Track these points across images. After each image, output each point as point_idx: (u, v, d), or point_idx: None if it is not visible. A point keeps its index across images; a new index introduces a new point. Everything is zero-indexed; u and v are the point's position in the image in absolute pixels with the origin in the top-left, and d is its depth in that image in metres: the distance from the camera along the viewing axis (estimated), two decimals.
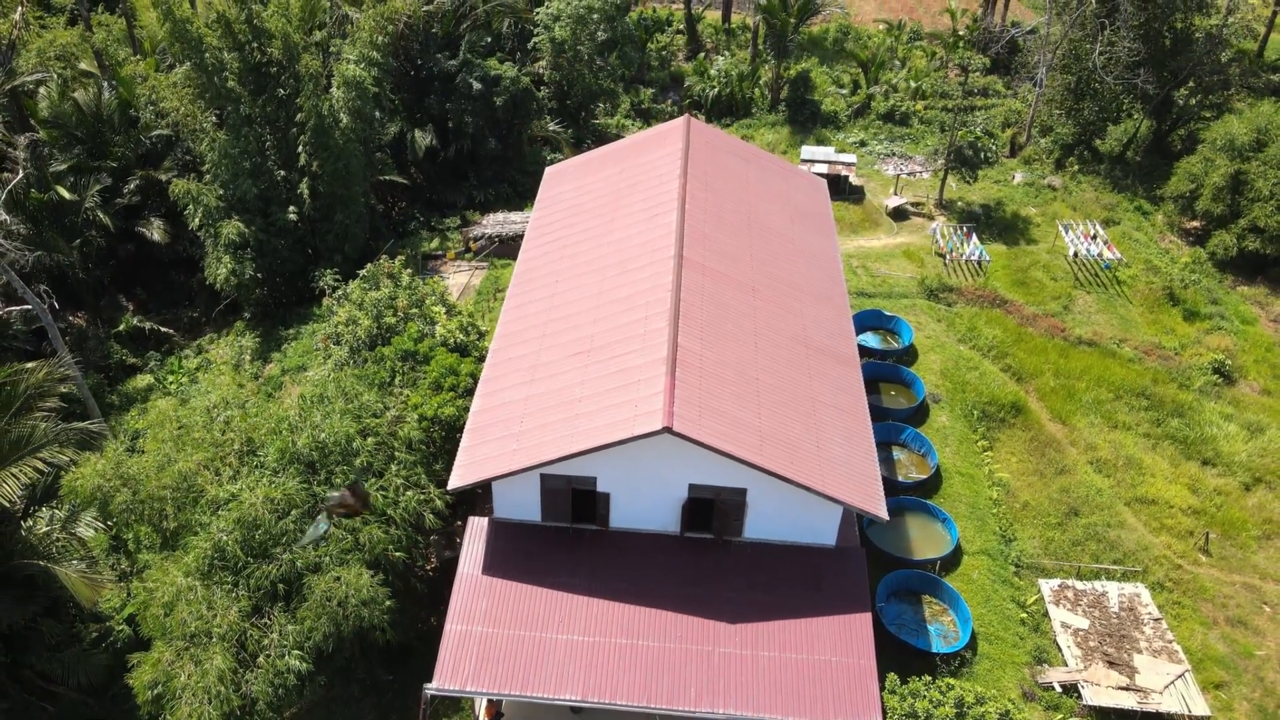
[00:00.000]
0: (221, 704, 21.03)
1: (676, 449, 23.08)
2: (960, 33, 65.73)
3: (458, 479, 24.24)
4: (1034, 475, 34.33)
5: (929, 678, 24.50)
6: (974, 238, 46.46)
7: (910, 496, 32.00)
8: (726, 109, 60.65)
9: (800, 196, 34.87)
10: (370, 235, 45.86)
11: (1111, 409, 37.25)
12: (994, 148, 50.13)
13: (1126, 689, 27.02)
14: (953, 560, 30.40)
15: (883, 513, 23.72)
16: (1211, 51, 50.35)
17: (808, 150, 52.32)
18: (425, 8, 48.01)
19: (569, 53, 52.33)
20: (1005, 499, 33.17)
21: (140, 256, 45.93)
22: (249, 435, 25.11)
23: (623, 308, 27.10)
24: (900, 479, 32.77)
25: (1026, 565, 31.11)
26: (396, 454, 25.75)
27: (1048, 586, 30.26)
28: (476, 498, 29.65)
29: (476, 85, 48.16)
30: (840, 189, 50.38)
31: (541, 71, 54.25)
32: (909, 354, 38.64)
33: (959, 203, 50.41)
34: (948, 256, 45.29)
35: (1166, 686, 27.07)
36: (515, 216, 46.73)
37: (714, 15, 72.77)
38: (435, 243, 46.81)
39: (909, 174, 53.59)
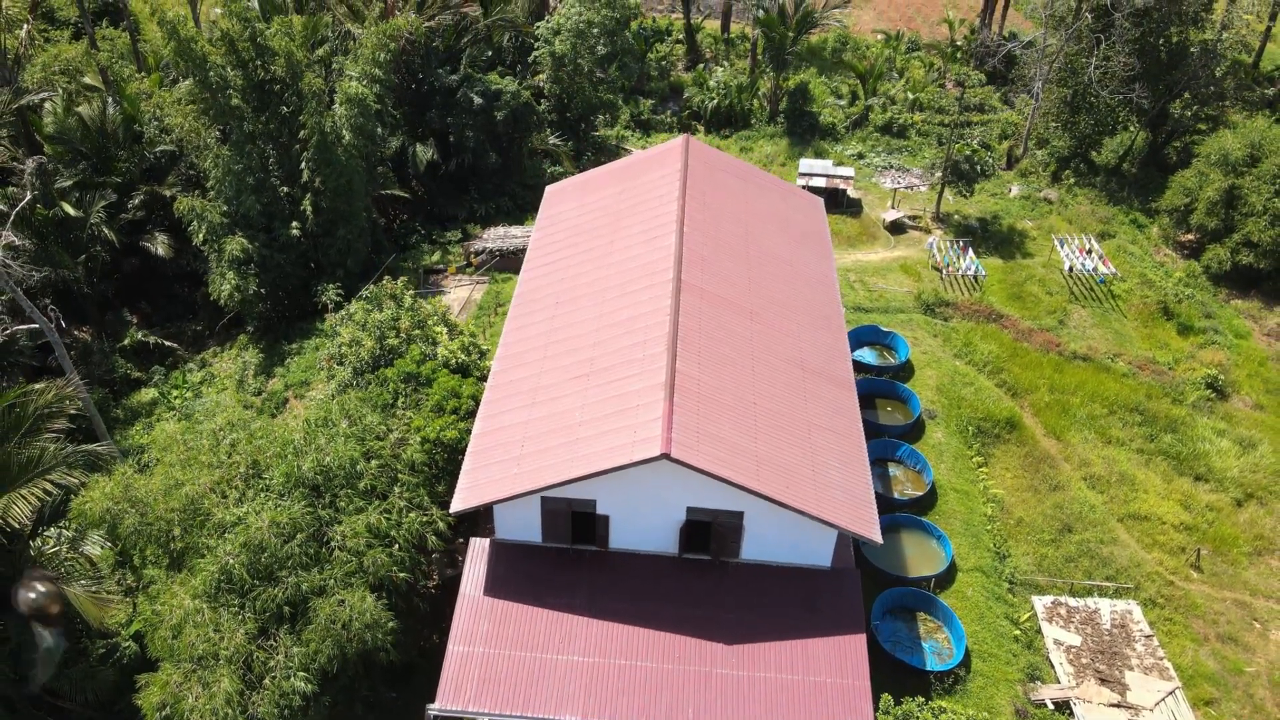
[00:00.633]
0: None
1: (674, 473, 23.53)
2: (958, 43, 66.20)
3: (460, 502, 24.71)
4: (1028, 491, 34.79)
5: (922, 699, 24.95)
6: (970, 252, 46.90)
7: (905, 514, 32.45)
8: (725, 120, 61.11)
9: (798, 216, 35.31)
10: (372, 249, 46.30)
11: (1105, 424, 37.70)
12: (990, 160, 50.60)
13: (1118, 706, 27.48)
14: (947, 577, 30.85)
15: (876, 536, 24.18)
16: (1207, 65, 50.80)
17: (806, 163, 52.75)
18: (427, 24, 48.42)
19: (569, 66, 52.76)
20: (999, 515, 33.62)
21: (144, 270, 46.38)
22: (255, 458, 25.54)
23: (622, 331, 27.55)
24: (896, 496, 33.22)
25: (1020, 582, 31.55)
26: (400, 476, 26.19)
27: (1041, 603, 30.71)
28: (478, 516, 29.99)
29: (477, 100, 48.59)
30: (838, 202, 50.83)
31: (542, 85, 54.68)
32: (905, 370, 39.08)
33: (956, 216, 50.85)
34: (944, 271, 45.74)
35: (1157, 704, 27.53)
36: (516, 231, 47.16)
37: (713, 25, 73.20)
38: (436, 256, 47.24)
39: (906, 187, 54.02)
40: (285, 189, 42.83)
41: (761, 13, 58.80)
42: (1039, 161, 55.68)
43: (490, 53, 54.72)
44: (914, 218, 50.63)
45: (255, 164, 41.42)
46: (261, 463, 25.59)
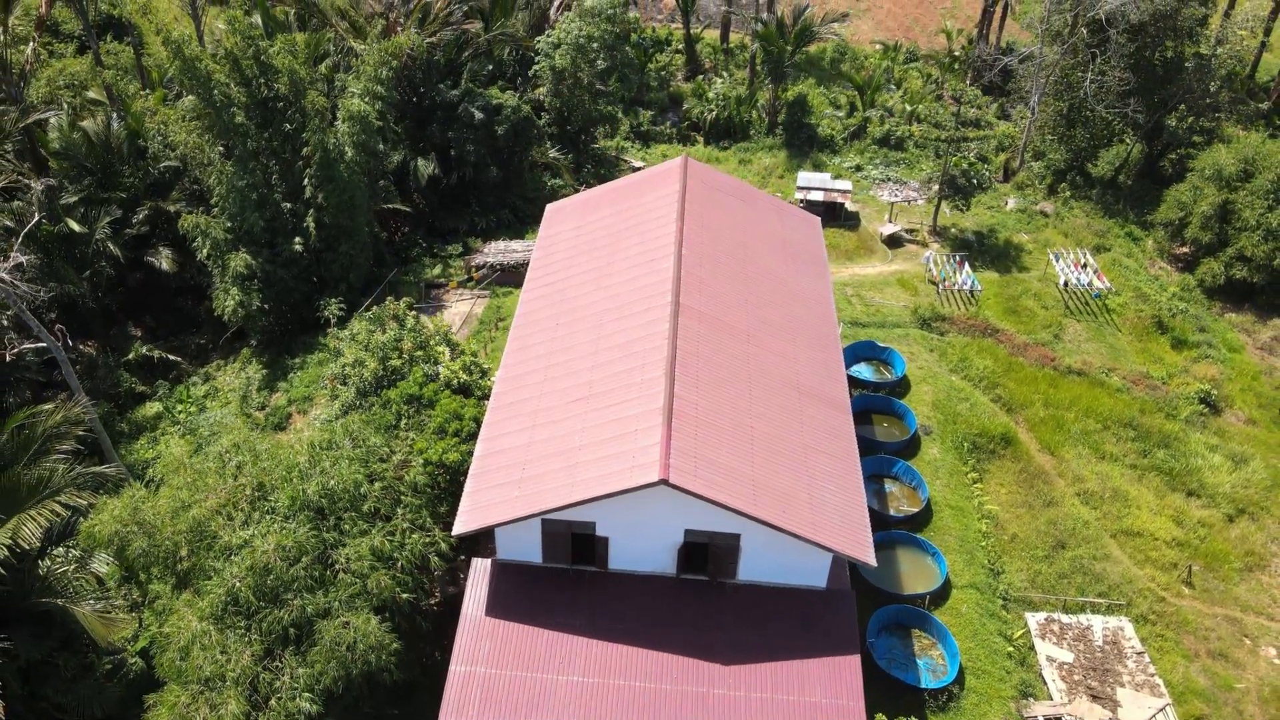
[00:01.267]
0: None
1: (672, 498, 23.97)
2: (956, 53, 66.60)
3: (462, 525, 25.16)
4: (1022, 507, 35.23)
5: (915, 718, 25.38)
6: (966, 266, 47.33)
7: (901, 531, 32.90)
8: (725, 132, 61.54)
9: (795, 235, 35.75)
10: (374, 262, 46.81)
11: (1099, 439, 38.14)
12: (987, 173, 51.02)
13: None
14: (942, 594, 31.30)
15: (870, 560, 24.62)
16: (1202, 79, 51.23)
17: (804, 177, 53.18)
18: (428, 40, 48.87)
19: (569, 80, 53.21)
20: (994, 531, 34.06)
21: (148, 284, 46.87)
22: (260, 480, 26.00)
23: (621, 354, 28.00)
24: (892, 513, 33.68)
25: (1014, 598, 32.00)
26: (403, 498, 26.67)
27: (1034, 620, 31.17)
28: (480, 535, 30.51)
29: (478, 115, 49.05)
30: (836, 216, 51.28)
31: (542, 98, 55.13)
32: (902, 385, 39.50)
33: (953, 230, 51.28)
34: (941, 285, 46.17)
35: None
36: (516, 245, 47.63)
37: (712, 35, 73.59)
38: (438, 269, 47.69)
39: (904, 200, 54.44)
40: (288, 205, 43.29)
41: (760, 26, 59.24)
42: (1035, 174, 56.12)
43: (491, 67, 55.18)
44: (911, 231, 51.07)
45: (259, 180, 41.89)
46: (267, 484, 26.06)
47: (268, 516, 25.09)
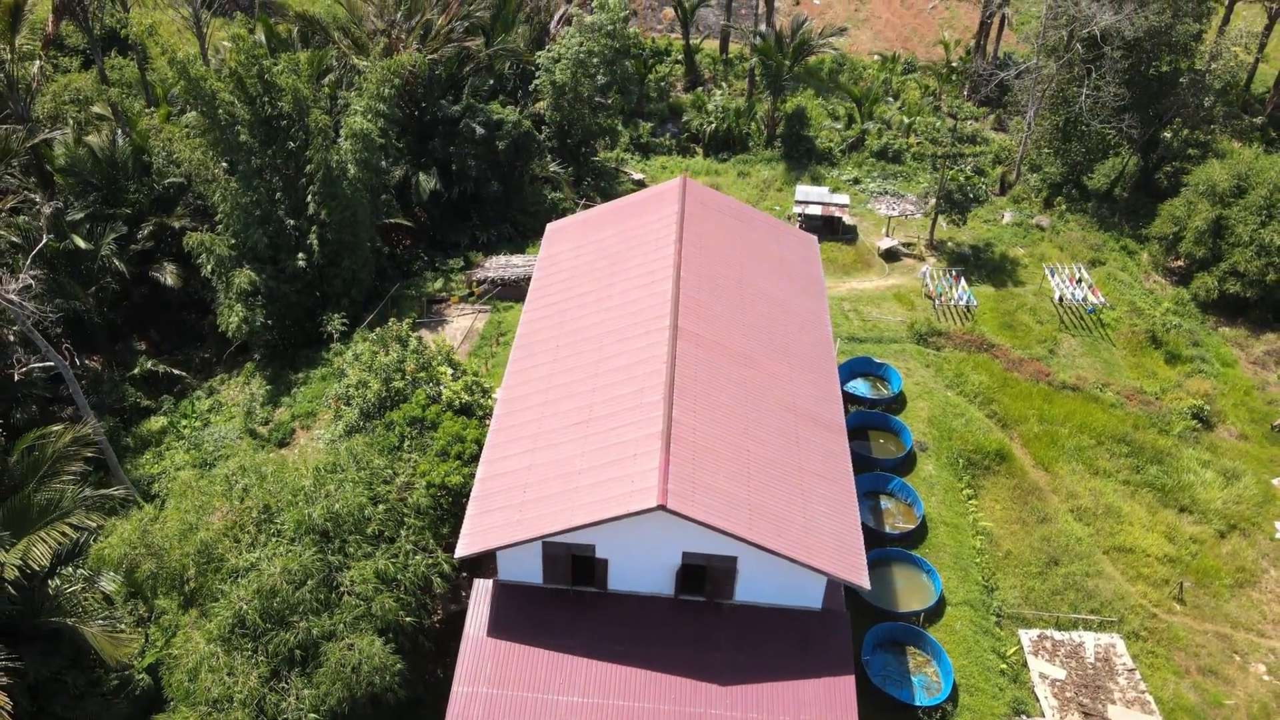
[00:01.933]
0: None
1: (670, 522, 24.46)
2: (953, 64, 67.06)
3: (464, 548, 25.66)
4: (1016, 524, 35.70)
5: None
6: (962, 281, 47.80)
7: (896, 548, 33.38)
8: (724, 144, 62.01)
9: (792, 256, 36.24)
10: (376, 277, 47.34)
11: (1093, 455, 38.60)
12: (984, 186, 51.43)
13: None
14: (937, 611, 31.78)
15: (864, 583, 25.13)
16: (1196, 94, 51.72)
17: (802, 190, 53.65)
18: (430, 56, 49.36)
19: (569, 94, 53.70)
20: (988, 548, 34.53)
21: (153, 299, 47.40)
22: (267, 503, 26.50)
23: (620, 377, 28.49)
24: (887, 530, 34.15)
25: (1007, 615, 32.47)
26: (406, 520, 27.19)
27: (1027, 637, 31.65)
28: (482, 555, 31.00)
29: (479, 130, 49.54)
30: (834, 230, 51.77)
31: (542, 112, 55.62)
32: (898, 401, 39.97)
33: (949, 243, 51.76)
34: (937, 300, 46.64)
35: None
36: (517, 260, 48.13)
37: (711, 45, 74.00)
38: (439, 284, 48.16)
39: (902, 214, 54.91)
40: (291, 221, 43.80)
41: (759, 40, 59.71)
42: (1031, 187, 56.59)
43: (492, 81, 55.67)
44: (908, 245, 51.56)
45: (263, 197, 42.39)
46: (273, 506, 26.56)
47: (274, 539, 25.60)
